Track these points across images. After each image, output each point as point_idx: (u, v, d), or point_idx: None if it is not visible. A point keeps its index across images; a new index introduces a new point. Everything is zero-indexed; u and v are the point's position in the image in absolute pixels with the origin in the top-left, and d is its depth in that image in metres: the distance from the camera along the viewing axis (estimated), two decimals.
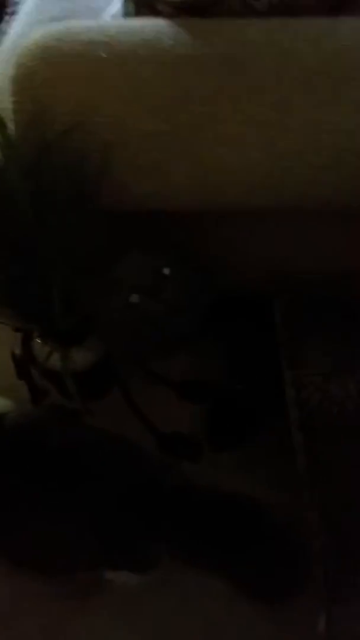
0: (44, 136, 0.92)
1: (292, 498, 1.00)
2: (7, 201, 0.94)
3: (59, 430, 1.11)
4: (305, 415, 1.04)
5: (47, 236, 0.97)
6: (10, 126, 0.95)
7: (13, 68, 0.93)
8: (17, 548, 1.05)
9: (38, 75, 0.91)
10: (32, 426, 1.14)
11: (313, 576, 0.97)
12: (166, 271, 1.05)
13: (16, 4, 1.36)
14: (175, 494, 1.06)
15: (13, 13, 1.41)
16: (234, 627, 1.09)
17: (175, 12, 0.96)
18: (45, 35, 0.95)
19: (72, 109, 0.91)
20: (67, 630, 1.12)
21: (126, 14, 1.05)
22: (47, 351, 1.12)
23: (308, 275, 1.11)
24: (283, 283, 1.14)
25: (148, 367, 1.33)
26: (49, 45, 0.92)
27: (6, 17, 1.37)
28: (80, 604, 1.14)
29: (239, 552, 1.03)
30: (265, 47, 0.87)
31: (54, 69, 0.91)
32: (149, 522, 1.02)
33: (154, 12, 0.99)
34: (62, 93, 0.91)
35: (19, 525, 1.03)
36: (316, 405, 1.05)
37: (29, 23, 1.21)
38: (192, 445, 1.31)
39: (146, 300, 1.03)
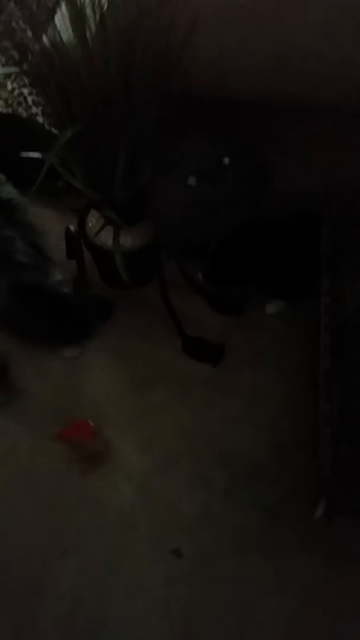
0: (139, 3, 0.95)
1: None
2: (96, 62, 0.97)
3: None
4: (336, 321, 1.07)
5: (126, 105, 1.00)
6: None
7: None
8: None
9: None
10: None
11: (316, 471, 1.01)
12: (226, 161, 1.08)
13: None
14: None
15: None
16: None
17: None
18: None
19: None
20: None
21: None
22: (98, 227, 1.17)
23: (356, 191, 1.13)
24: (332, 197, 1.16)
25: (187, 272, 1.38)
26: None
27: None
28: None
29: None
30: None
31: None
32: None
33: None
34: None
35: None
36: (348, 315, 1.08)
37: None
38: (214, 351, 1.36)
39: (203, 185, 1.07)
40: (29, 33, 0.95)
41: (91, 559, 1.12)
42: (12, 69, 1.05)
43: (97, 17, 0.97)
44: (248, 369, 1.35)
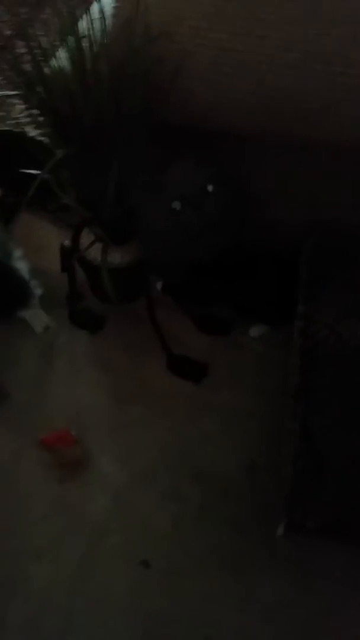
0: (133, 40, 1.03)
1: None
2: (91, 91, 1.05)
3: None
4: (308, 344, 1.11)
5: (117, 130, 1.07)
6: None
7: None
8: None
9: None
10: None
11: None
12: (210, 188, 1.14)
13: None
14: None
15: None
16: None
17: None
18: None
19: (161, 19, 1.02)
20: None
21: None
22: (89, 242, 1.23)
23: (339, 222, 1.18)
24: (315, 227, 1.21)
25: (174, 291, 1.44)
26: None
27: None
28: None
29: None
30: None
31: None
32: None
33: None
34: (155, 4, 1.02)
35: None
36: (321, 339, 1.12)
37: None
38: (197, 369, 1.40)
39: (187, 210, 1.13)
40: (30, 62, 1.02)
41: (62, 564, 1.15)
42: (12, 92, 1.13)
43: (94, 50, 1.05)
44: (229, 389, 1.39)
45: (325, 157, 1.13)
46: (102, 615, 1.09)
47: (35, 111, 1.11)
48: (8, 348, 1.44)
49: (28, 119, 1.50)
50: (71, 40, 1.02)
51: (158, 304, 1.42)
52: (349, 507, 1.00)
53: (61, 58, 1.04)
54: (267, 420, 1.32)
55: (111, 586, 1.13)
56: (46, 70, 1.06)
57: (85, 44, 1.04)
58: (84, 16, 1.03)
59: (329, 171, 1.17)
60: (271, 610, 1.10)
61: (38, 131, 1.17)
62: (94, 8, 1.07)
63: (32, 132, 1.24)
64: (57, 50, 1.07)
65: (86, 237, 1.28)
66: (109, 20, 1.07)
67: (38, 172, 1.14)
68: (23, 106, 1.38)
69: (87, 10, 1.04)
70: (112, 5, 1.06)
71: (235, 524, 1.20)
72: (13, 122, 1.64)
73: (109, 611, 1.10)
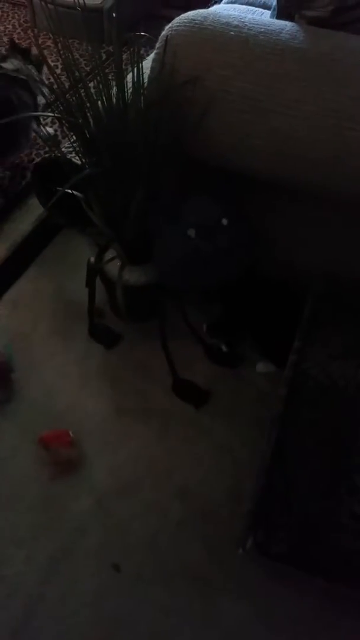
0: (167, 83, 1.15)
1: None
2: (126, 129, 1.17)
3: None
4: (298, 377, 1.16)
5: (144, 161, 1.19)
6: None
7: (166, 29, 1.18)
8: None
9: (178, 37, 1.16)
10: None
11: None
12: (224, 222, 1.23)
13: None
14: None
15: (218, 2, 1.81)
16: None
17: (304, 23, 1.18)
18: (197, 12, 1.20)
19: (194, 66, 1.14)
20: None
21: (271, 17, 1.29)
22: (109, 258, 1.33)
23: (346, 271, 1.25)
24: (323, 270, 1.28)
25: (188, 319, 1.52)
26: (194, 18, 1.17)
27: None
28: None
29: None
30: (357, 54, 1.06)
31: (190, 35, 1.15)
32: None
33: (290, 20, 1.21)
34: (191, 52, 1.15)
35: None
36: (311, 375, 1.17)
37: None
38: (200, 395, 1.46)
39: (201, 238, 1.22)
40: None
41: (38, 555, 1.21)
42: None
43: (136, 84, 1.17)
44: (227, 418, 1.44)
45: (334, 205, 1.20)
46: (67, 609, 1.14)
47: (75, 138, 1.24)
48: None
49: (72, 148, 1.66)
50: (120, 82, 1.15)
51: (174, 329, 1.50)
52: (312, 538, 1.02)
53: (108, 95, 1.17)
54: (258, 452, 1.36)
55: (80, 583, 1.17)
56: (92, 105, 1.19)
57: (129, 85, 1.17)
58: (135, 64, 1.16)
59: (338, 219, 1.24)
60: (230, 631, 1.11)
61: (80, 158, 1.30)
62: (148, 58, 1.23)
63: (76, 159, 1.38)
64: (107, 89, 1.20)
65: (109, 256, 1.39)
66: (149, 64, 1.20)
67: (77, 193, 1.28)
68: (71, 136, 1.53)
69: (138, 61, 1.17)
70: (154, 52, 1.20)
71: (209, 544, 1.23)
72: (63, 150, 1.81)
73: (74, 605, 1.14)
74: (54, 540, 1.23)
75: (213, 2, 1.93)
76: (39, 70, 1.87)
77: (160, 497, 1.30)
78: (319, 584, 1.11)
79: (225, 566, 1.19)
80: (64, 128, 1.60)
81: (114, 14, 2.41)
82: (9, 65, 1.80)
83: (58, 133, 2.02)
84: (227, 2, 1.88)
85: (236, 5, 1.78)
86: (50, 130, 2.03)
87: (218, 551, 1.21)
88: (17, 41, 2.02)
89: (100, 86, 1.16)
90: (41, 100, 1.80)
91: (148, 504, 1.29)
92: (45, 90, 1.70)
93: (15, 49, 1.87)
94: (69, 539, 1.23)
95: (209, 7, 1.80)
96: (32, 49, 1.90)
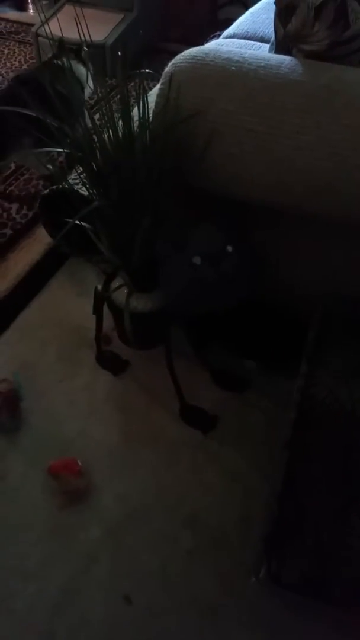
0: (171, 117, 1.19)
1: None
2: (133, 161, 1.20)
3: None
4: (306, 402, 1.16)
5: (149, 191, 1.21)
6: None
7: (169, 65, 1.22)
8: None
9: (181, 73, 1.19)
10: None
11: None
12: (229, 249, 1.25)
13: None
14: None
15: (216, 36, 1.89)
16: None
17: (302, 57, 1.22)
18: (199, 49, 1.24)
19: (197, 101, 1.17)
20: None
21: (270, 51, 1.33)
22: (116, 286, 1.35)
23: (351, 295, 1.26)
24: (328, 294, 1.29)
25: (195, 345, 1.53)
26: (197, 55, 1.21)
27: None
28: None
29: None
30: (354, 86, 1.09)
31: (193, 70, 1.19)
32: None
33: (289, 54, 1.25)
34: (194, 88, 1.18)
35: None
36: (319, 400, 1.17)
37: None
38: (207, 421, 1.46)
39: (205, 265, 1.24)
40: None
41: (47, 588, 1.19)
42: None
43: (141, 119, 1.21)
44: (235, 443, 1.43)
45: (333, 229, 1.22)
46: None
47: (82, 169, 1.27)
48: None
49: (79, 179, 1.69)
50: (126, 117, 1.19)
51: (180, 355, 1.50)
52: (326, 567, 1.01)
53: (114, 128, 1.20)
54: (267, 477, 1.35)
55: (91, 615, 1.16)
56: (99, 138, 1.23)
57: (135, 118, 1.20)
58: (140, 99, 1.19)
59: (338, 243, 1.25)
60: None
61: (87, 189, 1.33)
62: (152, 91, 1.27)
63: (83, 190, 1.41)
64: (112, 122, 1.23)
65: (117, 284, 1.41)
66: (152, 97, 1.24)
67: (85, 224, 1.31)
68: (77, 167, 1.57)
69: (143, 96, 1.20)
70: (159, 87, 1.23)
71: (221, 574, 1.21)
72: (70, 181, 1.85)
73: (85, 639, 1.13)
74: (62, 572, 1.22)
75: (212, 36, 1.99)
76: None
77: (170, 525, 1.29)
78: (334, 613, 1.10)
79: (237, 595, 1.18)
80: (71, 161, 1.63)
81: (119, 52, 2.49)
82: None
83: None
84: (226, 37, 1.95)
85: (235, 40, 1.84)
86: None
87: (230, 580, 1.20)
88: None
89: (105, 119, 1.19)
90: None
91: (158, 533, 1.28)
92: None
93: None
94: (78, 571, 1.22)
95: (207, 41, 1.86)
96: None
